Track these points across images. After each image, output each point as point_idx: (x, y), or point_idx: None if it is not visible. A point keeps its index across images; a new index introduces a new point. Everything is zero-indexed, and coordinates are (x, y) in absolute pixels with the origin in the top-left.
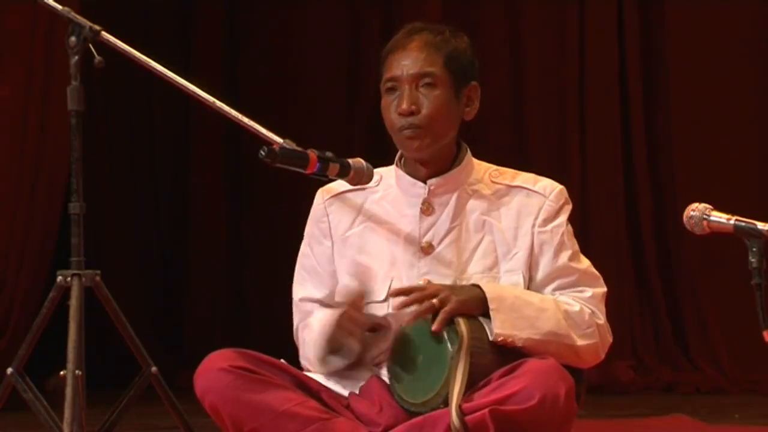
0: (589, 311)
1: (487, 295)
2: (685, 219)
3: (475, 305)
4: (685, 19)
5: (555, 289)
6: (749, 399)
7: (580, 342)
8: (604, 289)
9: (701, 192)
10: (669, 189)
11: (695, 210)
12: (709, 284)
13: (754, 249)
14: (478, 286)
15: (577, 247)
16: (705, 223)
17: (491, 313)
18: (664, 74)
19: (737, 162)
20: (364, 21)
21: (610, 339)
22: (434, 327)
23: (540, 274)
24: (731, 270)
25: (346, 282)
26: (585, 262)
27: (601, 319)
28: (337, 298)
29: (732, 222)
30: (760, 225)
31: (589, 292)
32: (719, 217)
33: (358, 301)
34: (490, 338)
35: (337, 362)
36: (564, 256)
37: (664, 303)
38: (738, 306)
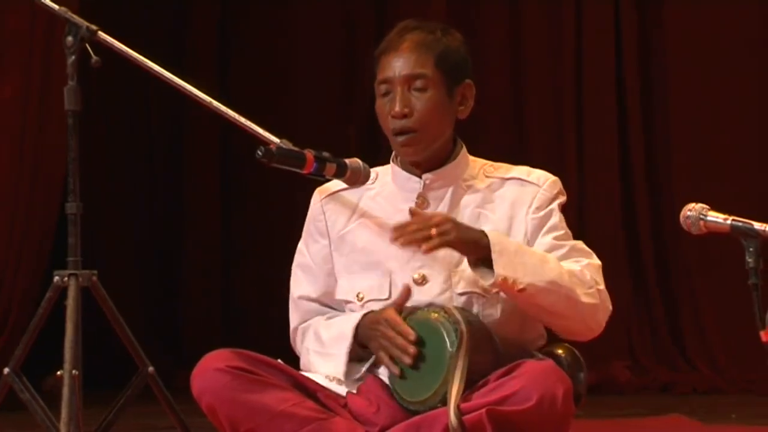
0: (590, 274)
1: (491, 239)
2: (682, 219)
3: (476, 247)
4: (683, 19)
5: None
6: (746, 399)
7: (583, 298)
8: (599, 262)
9: (698, 192)
10: (666, 189)
11: (692, 210)
12: (706, 284)
13: (750, 249)
14: (483, 232)
15: (569, 232)
16: (702, 223)
17: (493, 255)
18: (661, 74)
19: (734, 162)
20: (359, 21)
21: (610, 307)
22: (423, 249)
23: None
24: (728, 270)
25: (344, 282)
26: (577, 241)
27: (601, 285)
28: (338, 296)
29: (729, 222)
30: (757, 225)
31: (584, 261)
32: (716, 217)
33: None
34: (487, 283)
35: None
36: (555, 234)
37: (661, 303)
38: (735, 306)
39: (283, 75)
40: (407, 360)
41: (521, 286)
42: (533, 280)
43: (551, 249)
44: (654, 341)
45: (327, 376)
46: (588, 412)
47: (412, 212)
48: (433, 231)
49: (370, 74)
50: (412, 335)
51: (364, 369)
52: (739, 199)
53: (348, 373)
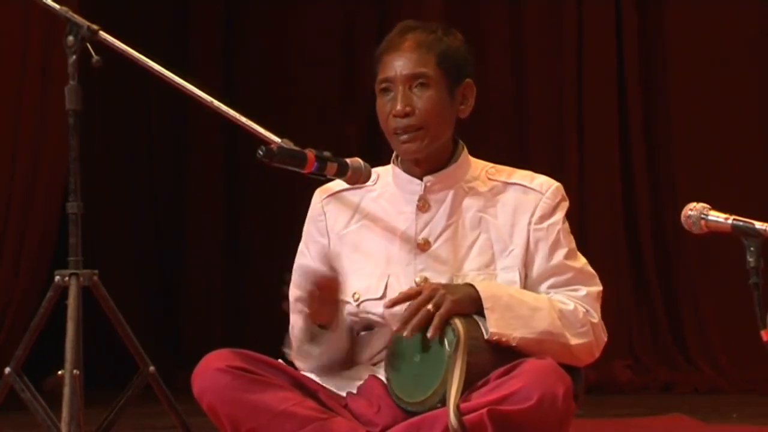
0: (584, 310)
1: (481, 294)
2: (683, 218)
3: (470, 304)
4: (684, 19)
5: (549, 287)
6: (747, 399)
7: (574, 341)
8: (599, 287)
9: (699, 191)
10: (667, 189)
11: (693, 209)
12: (707, 284)
13: (751, 248)
14: (473, 286)
15: (573, 245)
16: (703, 222)
17: (486, 312)
18: (662, 74)
19: (735, 161)
20: (360, 21)
21: (605, 338)
22: (429, 334)
23: (535, 272)
24: (729, 269)
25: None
26: (581, 261)
27: (596, 318)
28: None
29: (730, 221)
30: (758, 224)
31: (583, 291)
32: (717, 216)
33: (327, 279)
34: (486, 337)
35: (314, 351)
36: (559, 254)
37: (661, 303)
38: (736, 305)
39: (284, 74)
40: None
41: (514, 343)
42: (525, 333)
43: (552, 274)
44: (655, 341)
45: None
46: (589, 412)
47: (400, 295)
48: (430, 308)
49: (370, 74)
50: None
51: (315, 350)
52: (740, 199)
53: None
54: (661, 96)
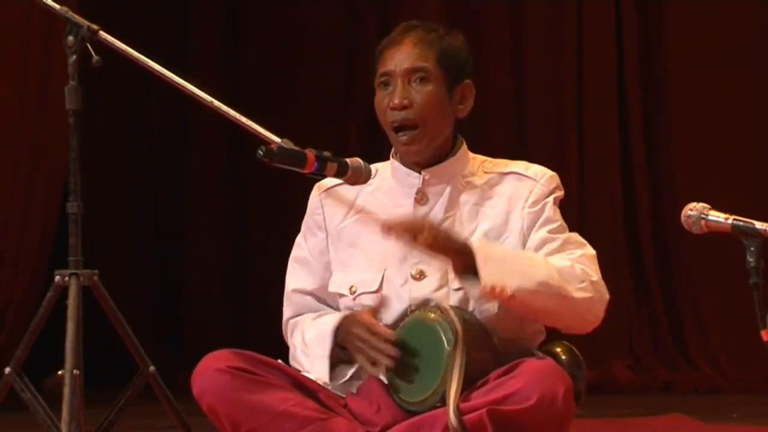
0: (581, 268)
1: (475, 247)
2: (683, 218)
3: (461, 254)
4: (684, 18)
5: (544, 255)
6: (747, 399)
7: (575, 294)
8: (594, 251)
9: (699, 191)
10: (667, 188)
11: (693, 209)
12: (707, 284)
13: (752, 248)
14: (468, 241)
15: (564, 224)
16: (703, 222)
17: (477, 264)
18: (662, 73)
19: (735, 161)
20: (362, 21)
21: (607, 296)
22: (419, 240)
23: (528, 245)
24: (729, 269)
25: (339, 275)
26: (571, 233)
27: (595, 276)
28: (331, 289)
29: (730, 221)
30: (758, 224)
31: (578, 252)
32: (717, 216)
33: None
34: (476, 296)
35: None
36: (549, 227)
37: (662, 302)
38: (736, 305)
39: (284, 74)
40: (387, 362)
41: (510, 292)
42: (522, 284)
43: (544, 242)
44: (655, 341)
45: (317, 379)
46: (589, 412)
47: (385, 225)
48: (426, 226)
49: (371, 73)
50: (390, 336)
51: (350, 372)
52: (740, 199)
53: (335, 376)
54: (661, 96)
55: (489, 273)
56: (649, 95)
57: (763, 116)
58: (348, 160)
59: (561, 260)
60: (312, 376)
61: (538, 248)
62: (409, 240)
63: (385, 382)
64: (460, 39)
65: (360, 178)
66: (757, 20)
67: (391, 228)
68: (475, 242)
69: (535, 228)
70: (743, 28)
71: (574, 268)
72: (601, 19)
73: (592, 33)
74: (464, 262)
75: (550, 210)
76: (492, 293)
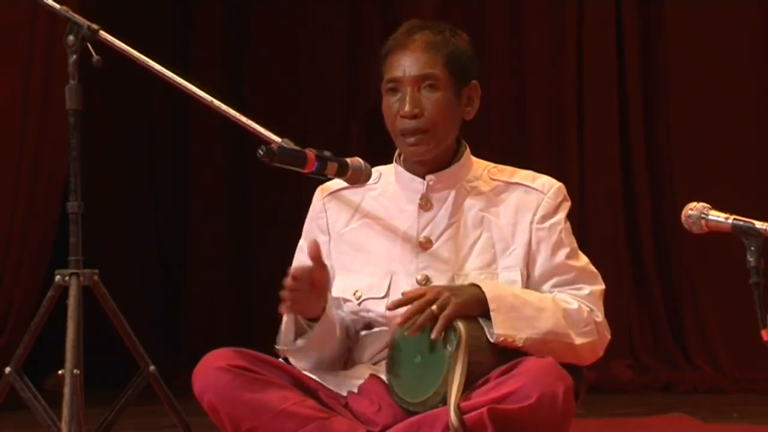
0: (588, 309)
1: (487, 295)
2: (683, 218)
3: (474, 306)
4: (684, 17)
5: (552, 287)
6: (747, 398)
7: (578, 340)
8: (602, 286)
9: (700, 191)
10: (667, 188)
11: (693, 209)
12: (708, 283)
13: (752, 248)
14: (477, 286)
15: (575, 244)
16: (703, 222)
17: (491, 313)
18: (662, 72)
19: (736, 161)
20: (365, 20)
21: (608, 336)
22: (433, 335)
23: (537, 272)
24: (730, 269)
25: (341, 280)
26: (583, 260)
27: (599, 317)
28: (334, 294)
29: (730, 221)
30: (758, 224)
31: (587, 290)
32: (717, 216)
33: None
34: (491, 339)
35: (300, 344)
36: (561, 254)
37: (662, 302)
38: (736, 305)
39: (286, 74)
40: (284, 294)
41: (520, 344)
42: (531, 333)
43: (556, 273)
44: (655, 340)
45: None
46: (589, 411)
47: (404, 296)
48: (434, 309)
49: (374, 74)
50: (297, 271)
51: (299, 341)
52: (740, 199)
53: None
54: (661, 96)
55: (500, 323)
56: (650, 95)
57: (763, 116)
58: (348, 159)
59: (568, 299)
60: (282, 347)
61: (546, 278)
62: (427, 324)
63: (386, 381)
64: (465, 39)
65: (360, 177)
66: (757, 20)
67: (399, 305)
68: (485, 286)
69: (546, 253)
70: (743, 25)
71: (581, 310)
72: (602, 17)
73: (592, 31)
74: (479, 308)
75: (563, 232)
76: (504, 342)
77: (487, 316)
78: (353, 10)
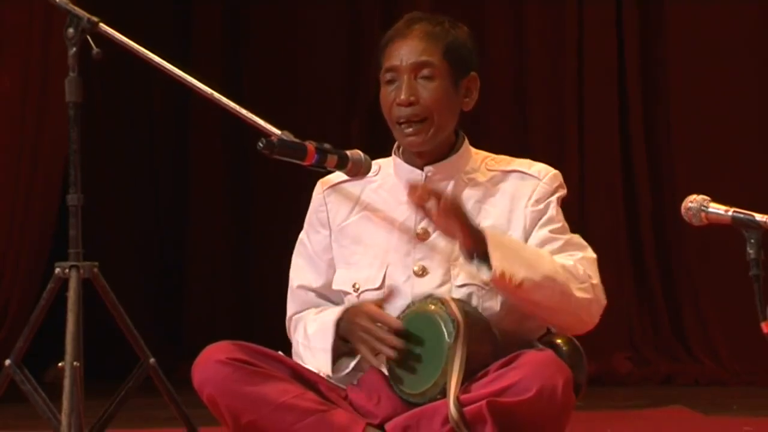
0: (583, 269)
1: (486, 233)
2: (683, 210)
3: (474, 237)
4: (684, 15)
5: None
6: (747, 391)
7: (577, 293)
8: (594, 255)
9: (700, 185)
10: (667, 182)
11: (693, 202)
12: (708, 276)
13: (752, 240)
14: (480, 227)
15: (566, 224)
16: (703, 214)
17: (489, 249)
18: (662, 71)
19: (736, 155)
20: (365, 15)
21: (604, 301)
22: (414, 199)
23: (529, 243)
24: (730, 262)
25: (342, 273)
26: (573, 234)
27: (595, 279)
28: (335, 287)
29: (730, 213)
30: (758, 216)
31: (579, 254)
32: (717, 208)
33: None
34: (488, 277)
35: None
36: (551, 227)
37: (662, 295)
38: (736, 298)
39: (287, 69)
40: (389, 352)
41: (518, 281)
42: (529, 274)
43: (546, 242)
44: (655, 333)
45: (319, 371)
46: (589, 404)
47: (411, 187)
48: (443, 201)
49: (374, 67)
50: (396, 324)
51: (352, 364)
52: (741, 192)
53: (337, 368)
54: (661, 93)
55: (500, 259)
56: (650, 93)
57: (763, 112)
58: (348, 152)
59: (564, 259)
60: (313, 369)
61: (538, 247)
62: (429, 204)
63: (386, 373)
64: (465, 31)
65: (360, 170)
66: (757, 20)
67: (415, 188)
68: (486, 228)
69: (537, 227)
70: (743, 23)
71: (577, 267)
72: (602, 14)
73: (592, 28)
74: (474, 245)
75: (553, 210)
76: (501, 279)
77: (483, 256)
78: (354, 6)
